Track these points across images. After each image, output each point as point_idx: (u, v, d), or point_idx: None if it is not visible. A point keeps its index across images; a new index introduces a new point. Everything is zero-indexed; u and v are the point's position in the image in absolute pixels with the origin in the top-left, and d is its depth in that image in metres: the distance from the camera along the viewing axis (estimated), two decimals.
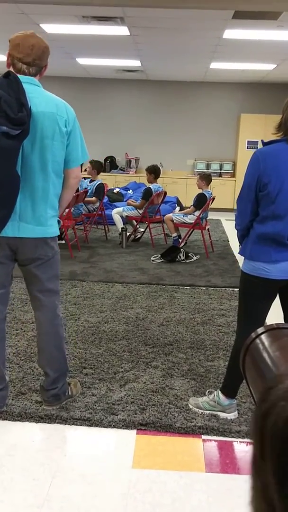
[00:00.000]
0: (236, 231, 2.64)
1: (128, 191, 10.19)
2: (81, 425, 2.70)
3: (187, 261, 6.46)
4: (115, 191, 9.95)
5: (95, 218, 7.79)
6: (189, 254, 6.61)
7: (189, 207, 7.13)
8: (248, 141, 10.90)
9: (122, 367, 3.37)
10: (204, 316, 4.45)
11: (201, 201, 6.85)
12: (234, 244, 7.38)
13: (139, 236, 7.79)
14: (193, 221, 6.87)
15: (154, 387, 3.10)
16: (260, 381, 0.78)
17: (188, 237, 7.30)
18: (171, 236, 7.28)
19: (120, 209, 7.69)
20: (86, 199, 7.34)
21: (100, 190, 7.60)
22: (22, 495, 2.18)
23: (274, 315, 2.64)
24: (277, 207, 2.38)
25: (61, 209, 2.78)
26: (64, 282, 5.26)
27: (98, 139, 11.38)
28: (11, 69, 2.52)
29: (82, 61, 9.05)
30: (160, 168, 7.96)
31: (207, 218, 7.20)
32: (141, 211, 7.40)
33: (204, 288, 5.33)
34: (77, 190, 6.73)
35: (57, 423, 2.71)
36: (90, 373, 3.26)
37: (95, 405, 2.86)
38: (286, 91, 10.44)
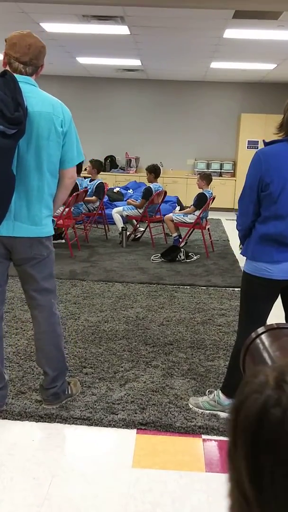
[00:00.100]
0: (237, 231, 2.63)
1: (128, 191, 10.19)
2: (81, 424, 2.70)
3: (187, 260, 6.46)
4: (115, 190, 9.95)
5: (95, 218, 7.80)
6: (189, 254, 6.61)
7: (189, 207, 7.12)
8: (248, 141, 10.90)
9: (122, 367, 3.37)
10: (204, 315, 4.45)
11: (201, 201, 6.85)
12: (235, 244, 7.38)
13: (139, 235, 7.79)
14: (193, 221, 6.87)
15: (154, 386, 3.10)
16: None
17: (188, 237, 7.30)
18: (171, 235, 7.29)
19: (120, 208, 7.69)
20: (86, 198, 7.33)
21: (100, 189, 7.60)
22: (22, 494, 2.18)
23: (275, 315, 2.64)
24: (279, 207, 2.37)
25: (56, 209, 2.78)
26: (64, 281, 5.26)
27: (98, 138, 11.38)
28: (8, 68, 2.52)
29: (82, 60, 9.05)
30: (160, 167, 7.95)
31: (207, 217, 7.19)
32: (141, 211, 7.40)
33: (204, 287, 5.33)
34: (77, 189, 6.73)
35: (57, 422, 2.71)
36: (90, 373, 3.26)
37: (95, 405, 2.86)
38: (287, 91, 10.45)
